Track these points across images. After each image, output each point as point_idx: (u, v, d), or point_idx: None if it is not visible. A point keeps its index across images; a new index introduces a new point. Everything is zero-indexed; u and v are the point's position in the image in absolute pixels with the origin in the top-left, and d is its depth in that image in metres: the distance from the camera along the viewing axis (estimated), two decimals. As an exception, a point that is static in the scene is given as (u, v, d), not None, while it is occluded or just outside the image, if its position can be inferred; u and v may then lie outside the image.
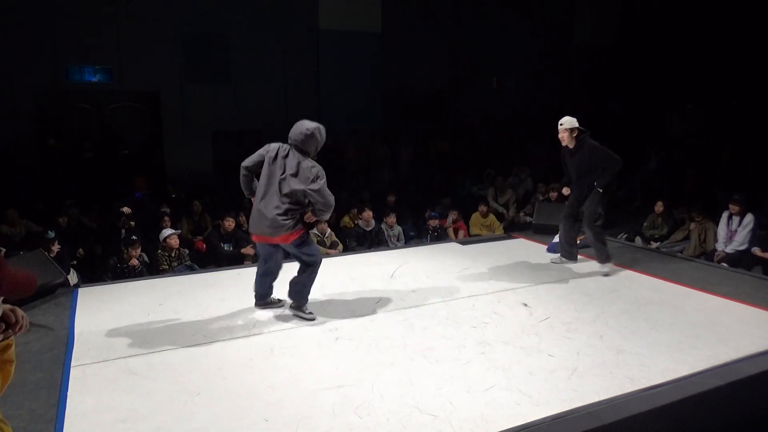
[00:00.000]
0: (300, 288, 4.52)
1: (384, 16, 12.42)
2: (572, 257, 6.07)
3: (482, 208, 8.92)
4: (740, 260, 6.82)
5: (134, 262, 6.34)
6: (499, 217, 9.52)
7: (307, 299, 4.60)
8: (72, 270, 6.49)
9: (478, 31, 13.36)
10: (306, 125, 4.31)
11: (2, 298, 1.34)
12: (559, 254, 6.12)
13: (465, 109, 13.62)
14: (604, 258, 5.74)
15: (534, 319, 4.54)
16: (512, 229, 8.81)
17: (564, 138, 5.79)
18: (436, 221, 8.24)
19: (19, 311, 1.68)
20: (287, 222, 4.25)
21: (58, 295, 5.13)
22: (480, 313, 4.66)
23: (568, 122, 5.76)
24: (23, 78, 9.78)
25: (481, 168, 11.50)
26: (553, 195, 8.89)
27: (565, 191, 6.01)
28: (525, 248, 6.76)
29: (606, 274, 5.68)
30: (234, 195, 7.64)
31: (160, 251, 6.75)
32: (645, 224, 8.61)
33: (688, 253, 7.48)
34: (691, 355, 3.84)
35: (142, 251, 6.61)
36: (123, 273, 6.24)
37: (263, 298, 4.78)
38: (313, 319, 4.49)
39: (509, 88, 14.05)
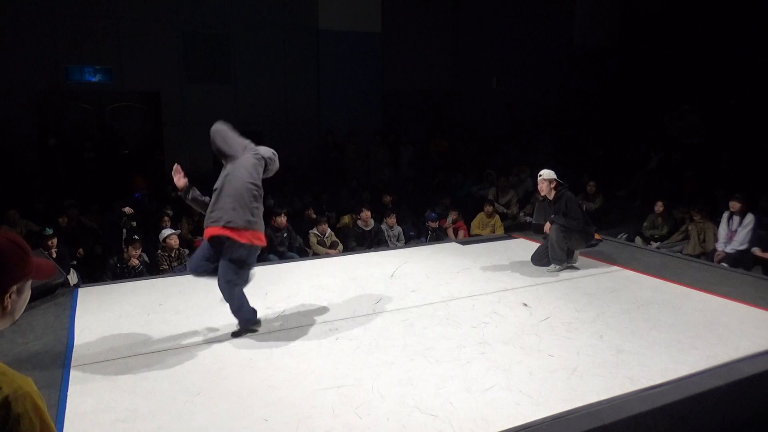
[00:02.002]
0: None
1: (384, 16, 12.39)
2: (564, 260, 6.00)
3: (488, 208, 8.90)
4: (740, 260, 6.83)
5: (134, 262, 6.34)
6: (501, 216, 9.51)
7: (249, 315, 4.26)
8: (72, 270, 6.49)
9: (478, 31, 13.34)
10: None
11: (30, 281, 1.46)
12: (552, 264, 5.95)
13: (465, 109, 13.61)
14: (557, 260, 5.86)
15: (534, 319, 4.54)
16: (513, 229, 8.80)
17: (543, 189, 5.92)
18: (436, 223, 8.24)
19: None
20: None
21: (58, 295, 5.13)
22: (480, 313, 4.66)
23: (546, 174, 5.88)
24: (23, 78, 9.76)
25: (481, 168, 11.50)
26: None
27: (546, 228, 6.06)
28: (525, 248, 6.75)
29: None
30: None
31: (160, 251, 6.75)
32: (645, 224, 8.60)
33: (688, 253, 7.48)
34: (691, 355, 3.84)
35: (142, 251, 6.62)
36: (123, 273, 6.24)
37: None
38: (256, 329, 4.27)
39: (509, 88, 14.03)
